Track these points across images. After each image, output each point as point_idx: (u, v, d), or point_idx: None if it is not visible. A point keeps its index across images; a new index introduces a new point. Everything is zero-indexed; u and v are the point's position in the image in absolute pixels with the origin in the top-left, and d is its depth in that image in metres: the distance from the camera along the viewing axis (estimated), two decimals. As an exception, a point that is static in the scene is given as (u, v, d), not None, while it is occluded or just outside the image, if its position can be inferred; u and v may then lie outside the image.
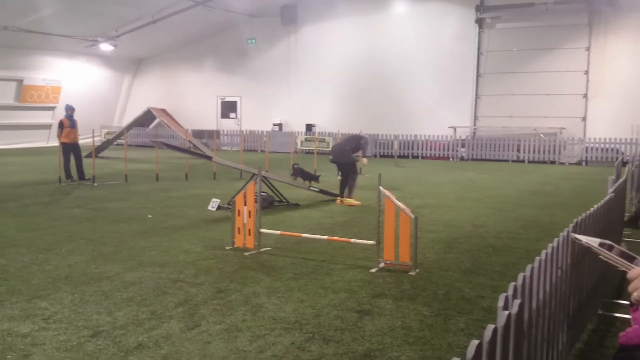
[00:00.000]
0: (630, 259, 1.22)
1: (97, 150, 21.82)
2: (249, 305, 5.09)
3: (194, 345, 4.19)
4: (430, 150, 23.94)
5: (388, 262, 6.41)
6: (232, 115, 29.74)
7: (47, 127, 28.28)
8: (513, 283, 2.19)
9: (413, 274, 6.18)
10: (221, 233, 8.11)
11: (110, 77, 31.27)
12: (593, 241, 1.29)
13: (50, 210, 10.11)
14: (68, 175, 14.40)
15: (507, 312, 1.83)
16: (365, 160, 11.87)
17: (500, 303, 1.99)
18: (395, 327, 4.65)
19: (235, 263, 6.57)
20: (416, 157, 23.96)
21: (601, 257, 1.28)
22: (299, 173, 12.95)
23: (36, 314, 4.81)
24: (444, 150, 23.76)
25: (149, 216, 9.61)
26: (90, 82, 29.71)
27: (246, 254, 6.96)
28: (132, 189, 13.19)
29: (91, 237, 7.92)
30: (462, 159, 23.33)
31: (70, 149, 14.63)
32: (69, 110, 15.09)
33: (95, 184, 13.79)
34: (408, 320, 4.81)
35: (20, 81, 27.09)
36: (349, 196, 11.21)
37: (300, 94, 27.59)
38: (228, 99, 29.70)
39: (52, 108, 28.39)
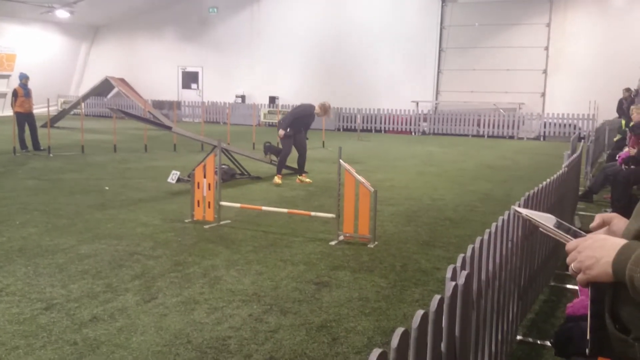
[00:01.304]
0: (569, 232, 1.24)
1: (53, 120, 21.22)
2: (207, 278, 5.07)
3: (149, 318, 4.16)
4: (393, 124, 24.05)
5: (347, 235, 6.46)
6: (194, 86, 29.24)
7: (2, 96, 27.33)
8: (462, 255, 2.23)
9: (372, 246, 6.24)
10: (180, 206, 8.02)
11: (67, 45, 30.28)
12: (534, 214, 1.31)
13: (4, 182, 9.82)
14: (23, 145, 14.00)
15: (453, 283, 1.86)
16: (281, 132, 10.38)
17: (449, 274, 2.02)
18: (352, 298, 4.71)
19: (194, 236, 6.52)
20: (379, 131, 24.06)
21: (541, 229, 1.30)
22: (271, 150, 12.14)
23: (-14, 287, 4.69)
24: (406, 124, 23.90)
25: (106, 188, 9.44)
26: (46, 50, 28.74)
27: (205, 226, 6.91)
28: (89, 160, 12.90)
29: (46, 209, 7.73)
30: (423, 133, 23.53)
31: (24, 118, 14.19)
32: (23, 79, 14.62)
33: (51, 155, 13.44)
34: (365, 291, 4.87)
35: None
36: (278, 173, 10.47)
37: (263, 66, 27.26)
38: (189, 69, 29.16)
39: (7, 76, 27.40)
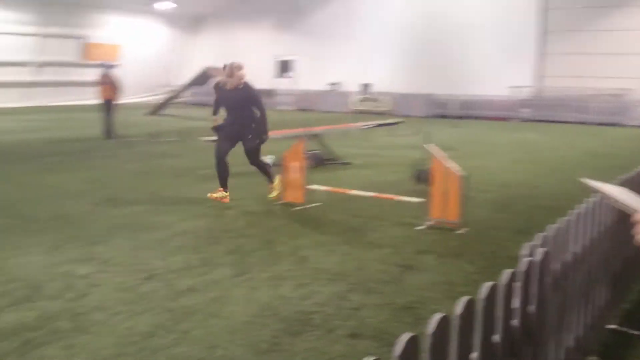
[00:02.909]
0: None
1: (157, 109, 22.44)
2: (294, 256, 5.24)
3: (240, 291, 4.38)
4: (490, 110, 23.33)
5: (435, 220, 6.41)
6: (288, 74, 29.78)
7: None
8: (543, 233, 2.19)
9: (461, 232, 6.16)
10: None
11: (170, 36, 31.77)
12: (604, 187, 1.29)
13: (110, 164, 10.54)
14: (107, 133, 14.38)
15: (528, 259, 1.84)
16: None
17: (525, 251, 2.00)
18: (437, 282, 4.69)
19: (284, 217, 6.73)
20: (474, 117, 23.42)
21: (610, 201, 1.28)
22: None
23: (95, 257, 5.11)
24: (504, 110, 23.10)
25: (204, 172, 9.88)
26: (149, 41, 30.29)
27: (295, 208, 7.10)
28: (188, 145, 13.54)
29: (148, 190, 8.24)
30: (522, 120, 22.66)
31: (110, 105, 14.55)
32: (108, 67, 15.13)
33: (155, 141, 14.21)
34: (451, 276, 4.84)
35: (82, 39, 27.88)
36: (272, 180, 7.63)
37: (356, 52, 27.27)
38: (284, 57, 29.72)
39: (114, 66, 29.17)
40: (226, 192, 7.47)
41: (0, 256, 5.06)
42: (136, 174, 9.59)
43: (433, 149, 6.37)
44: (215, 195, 7.41)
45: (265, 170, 7.73)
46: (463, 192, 6.19)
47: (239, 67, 7.32)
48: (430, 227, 6.32)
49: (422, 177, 7.83)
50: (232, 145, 7.51)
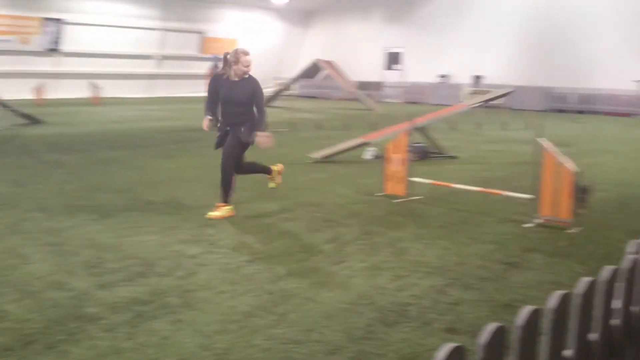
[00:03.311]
0: None
1: (268, 100, 23.13)
2: (392, 248, 5.22)
3: (338, 278, 4.44)
4: (612, 105, 21.81)
5: (545, 218, 6.11)
6: (396, 66, 29.53)
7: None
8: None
9: (572, 231, 5.84)
10: (375, 180, 8.25)
11: (283, 30, 32.60)
12: None
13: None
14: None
15: (633, 256, 1.72)
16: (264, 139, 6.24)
17: (631, 249, 1.87)
18: (543, 281, 4.49)
19: (384, 209, 6.72)
20: (595, 112, 22.00)
21: None
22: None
23: (204, 239, 5.39)
24: (627, 106, 21.51)
25: (311, 161, 10.06)
26: (264, 35, 31.25)
27: (395, 201, 7.06)
28: (297, 135, 13.85)
29: (257, 178, 8.51)
30: (649, 116, 20.99)
31: None
32: (217, 59, 15.79)
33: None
34: (559, 276, 4.61)
35: (201, 33, 29.30)
36: (225, 200, 6.28)
37: (467, 44, 26.50)
38: (393, 50, 29.50)
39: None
40: (229, 204, 6.21)
41: (119, 234, 5.48)
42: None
43: (545, 143, 6.07)
44: (216, 214, 6.12)
45: (255, 170, 6.78)
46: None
47: (245, 53, 6.12)
48: (539, 225, 6.05)
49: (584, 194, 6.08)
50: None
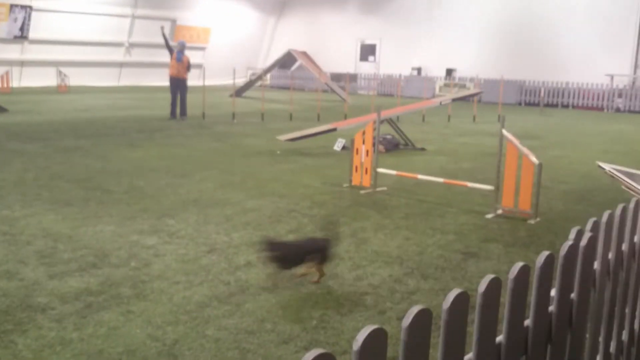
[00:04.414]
0: None
1: (240, 91, 22.92)
2: (354, 238, 5.20)
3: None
4: (582, 99, 22.13)
5: (507, 209, 6.16)
6: (371, 58, 29.53)
7: (199, 66, 30.08)
8: (593, 219, 2.03)
9: (532, 222, 5.90)
10: (342, 171, 8.23)
11: (257, 20, 32.30)
12: (619, 170, 1.17)
13: (189, 142, 10.89)
14: (172, 113, 14.49)
15: (570, 242, 1.71)
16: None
17: (571, 235, 1.86)
18: (500, 271, 4.51)
19: (349, 199, 6.70)
20: (566, 106, 22.30)
21: (623, 186, 1.15)
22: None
23: (163, 229, 5.30)
24: (597, 100, 21.85)
25: (278, 152, 10.02)
26: (237, 24, 30.92)
27: (361, 192, 7.05)
28: (267, 126, 13.75)
29: (223, 168, 8.45)
30: (617, 110, 21.34)
31: (175, 83, 14.68)
32: (180, 45, 15.00)
33: (235, 121, 14.55)
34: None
35: (174, 21, 28.84)
36: None
37: (441, 37, 26.60)
38: (367, 41, 29.49)
39: (203, 48, 29.97)
40: None
41: (73, 225, 5.36)
42: (212, 152, 9.86)
43: (509, 135, 6.11)
44: None
45: None
46: (538, 181, 5.91)
47: None
48: (500, 216, 6.09)
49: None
50: None
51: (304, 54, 28.01)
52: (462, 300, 1.41)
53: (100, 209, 5.91)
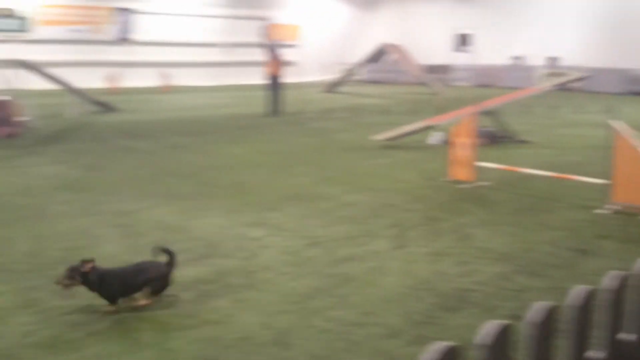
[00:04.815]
0: None
1: (333, 86, 23.08)
2: (457, 233, 5.12)
3: (398, 263, 4.40)
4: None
5: (620, 204, 5.82)
6: (466, 48, 28.75)
7: (291, 64, 30.57)
8: None
9: (648, 218, 5.54)
10: (439, 165, 8.09)
11: (347, 14, 32.35)
12: None
13: (286, 138, 11.10)
14: (272, 109, 14.80)
15: None
16: None
17: None
18: (615, 268, 4.24)
19: (449, 194, 6.59)
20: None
21: None
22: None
23: (266, 222, 5.46)
24: None
25: (374, 140, 9.98)
26: (328, 20, 31.12)
27: (461, 186, 6.91)
28: (360, 121, 13.76)
29: (319, 163, 8.57)
30: None
31: (271, 81, 15.08)
32: (275, 45, 15.47)
33: (329, 117, 14.66)
34: (632, 263, 4.37)
35: (267, 20, 29.49)
36: None
37: (542, 24, 25.37)
38: (462, 31, 28.74)
39: (294, 46, 30.42)
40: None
41: (184, 217, 5.64)
42: (308, 148, 10.01)
43: (619, 126, 5.76)
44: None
45: None
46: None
47: None
48: (612, 211, 5.77)
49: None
50: None
51: (397, 46, 27.72)
52: (588, 297, 1.36)
53: (207, 202, 6.18)
